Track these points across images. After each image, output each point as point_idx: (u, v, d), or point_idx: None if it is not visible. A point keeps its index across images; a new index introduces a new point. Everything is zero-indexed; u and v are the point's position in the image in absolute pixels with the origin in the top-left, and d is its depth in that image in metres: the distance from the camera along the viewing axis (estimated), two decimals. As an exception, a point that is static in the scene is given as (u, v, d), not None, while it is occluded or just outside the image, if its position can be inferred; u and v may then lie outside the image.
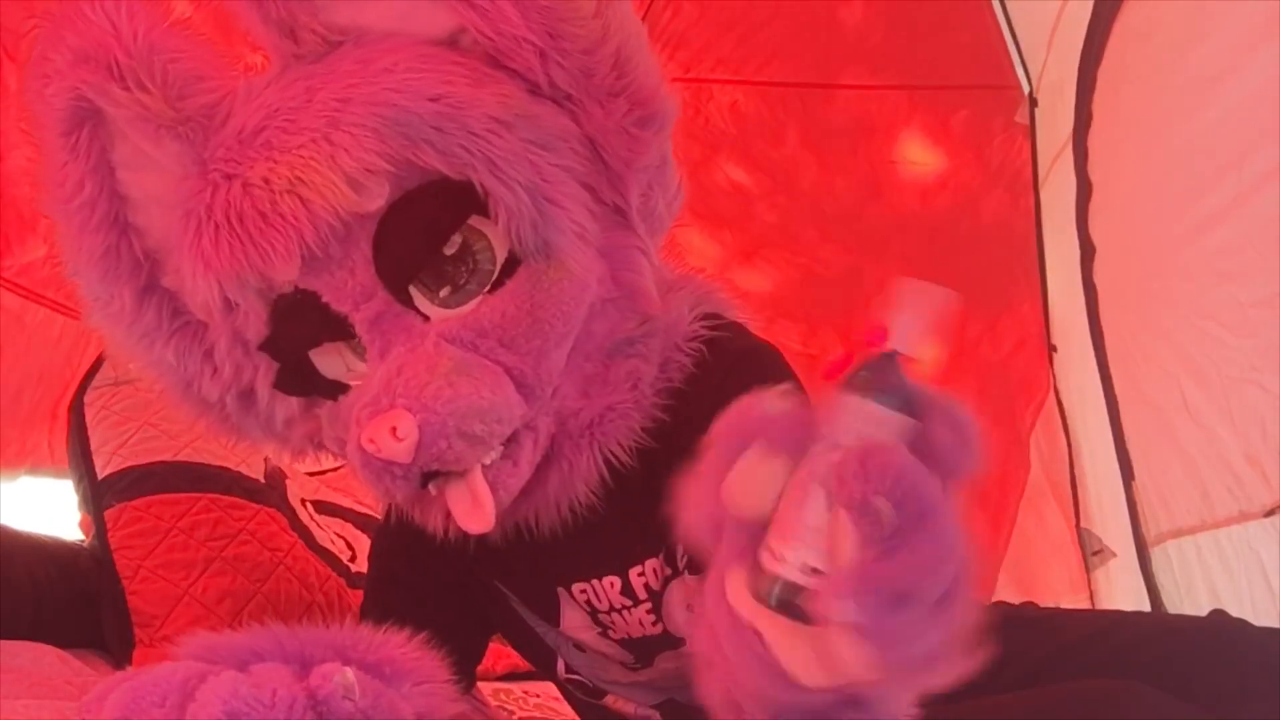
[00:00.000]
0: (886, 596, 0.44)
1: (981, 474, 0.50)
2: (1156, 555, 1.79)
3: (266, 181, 0.70)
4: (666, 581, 0.88)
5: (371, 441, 0.67)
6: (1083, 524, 2.13)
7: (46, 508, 1.66)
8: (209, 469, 1.45)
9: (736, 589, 0.49)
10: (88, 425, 1.42)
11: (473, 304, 0.75)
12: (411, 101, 0.72)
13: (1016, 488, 2.30)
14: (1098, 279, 1.96)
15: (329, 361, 0.79)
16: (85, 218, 0.76)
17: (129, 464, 1.39)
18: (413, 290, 0.75)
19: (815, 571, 0.46)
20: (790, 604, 0.47)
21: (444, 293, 0.75)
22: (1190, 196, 1.55)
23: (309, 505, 1.63)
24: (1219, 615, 0.87)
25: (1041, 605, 1.09)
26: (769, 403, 0.52)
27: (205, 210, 0.71)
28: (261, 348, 0.79)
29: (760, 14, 2.11)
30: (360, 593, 1.53)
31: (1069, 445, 2.17)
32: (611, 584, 0.89)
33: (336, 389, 0.79)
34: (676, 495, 0.54)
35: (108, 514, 1.35)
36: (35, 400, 1.64)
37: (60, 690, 0.97)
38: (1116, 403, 1.88)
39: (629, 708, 0.99)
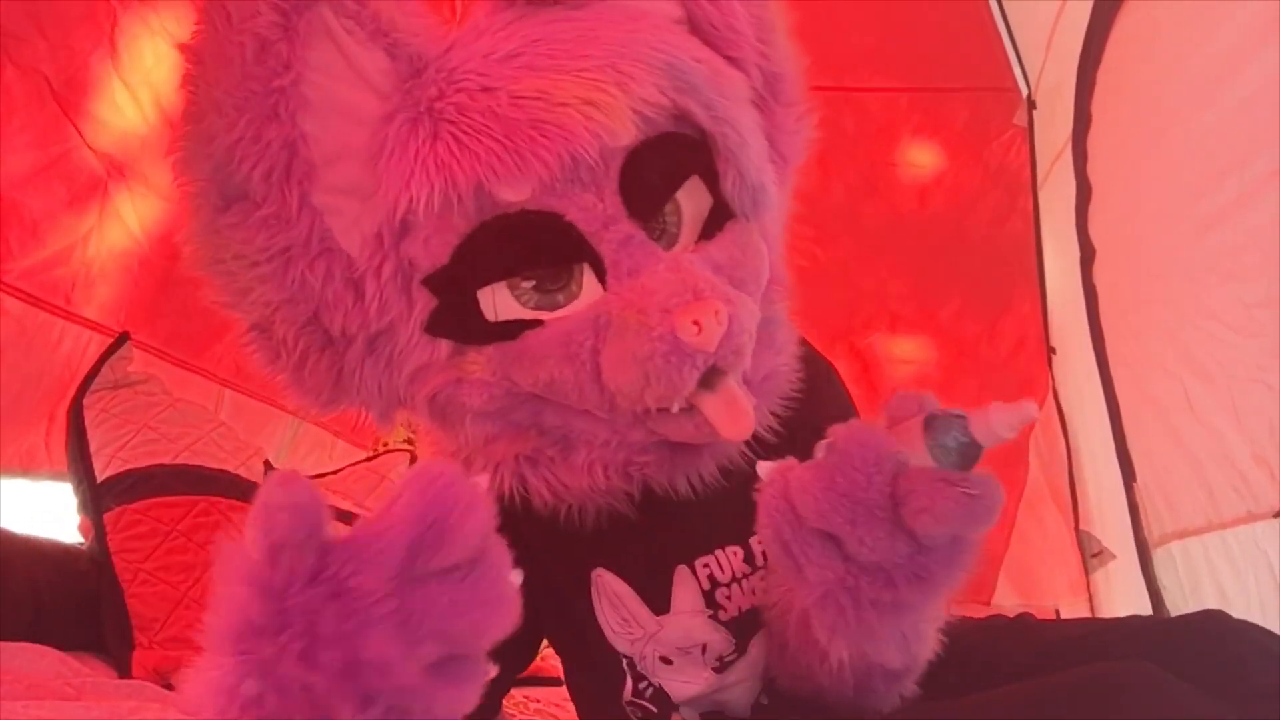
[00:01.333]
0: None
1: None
2: (1159, 556, 1.78)
3: (545, 94, 0.71)
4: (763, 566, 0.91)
5: (696, 324, 0.68)
6: (1082, 526, 2.13)
7: (46, 511, 1.65)
8: (208, 472, 1.45)
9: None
10: (87, 428, 1.42)
11: (675, 249, 0.79)
12: (685, 56, 0.76)
13: (1015, 490, 2.31)
14: (1098, 280, 1.96)
15: (484, 304, 0.77)
16: (276, 104, 0.72)
17: (128, 467, 1.39)
18: None
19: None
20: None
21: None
22: (1192, 197, 1.55)
23: (308, 508, 1.63)
24: (1210, 612, 0.86)
25: (1038, 615, 1.09)
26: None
27: (455, 113, 0.71)
28: (429, 279, 0.76)
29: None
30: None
31: (1068, 447, 2.18)
32: (735, 553, 0.91)
33: (512, 328, 0.77)
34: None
35: (107, 517, 1.35)
36: (35, 403, 1.64)
37: (59, 691, 0.96)
38: (1117, 404, 1.89)
39: None
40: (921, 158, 2.41)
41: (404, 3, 0.75)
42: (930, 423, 0.60)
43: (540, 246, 0.75)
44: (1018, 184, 2.28)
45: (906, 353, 2.54)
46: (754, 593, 0.91)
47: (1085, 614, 2.08)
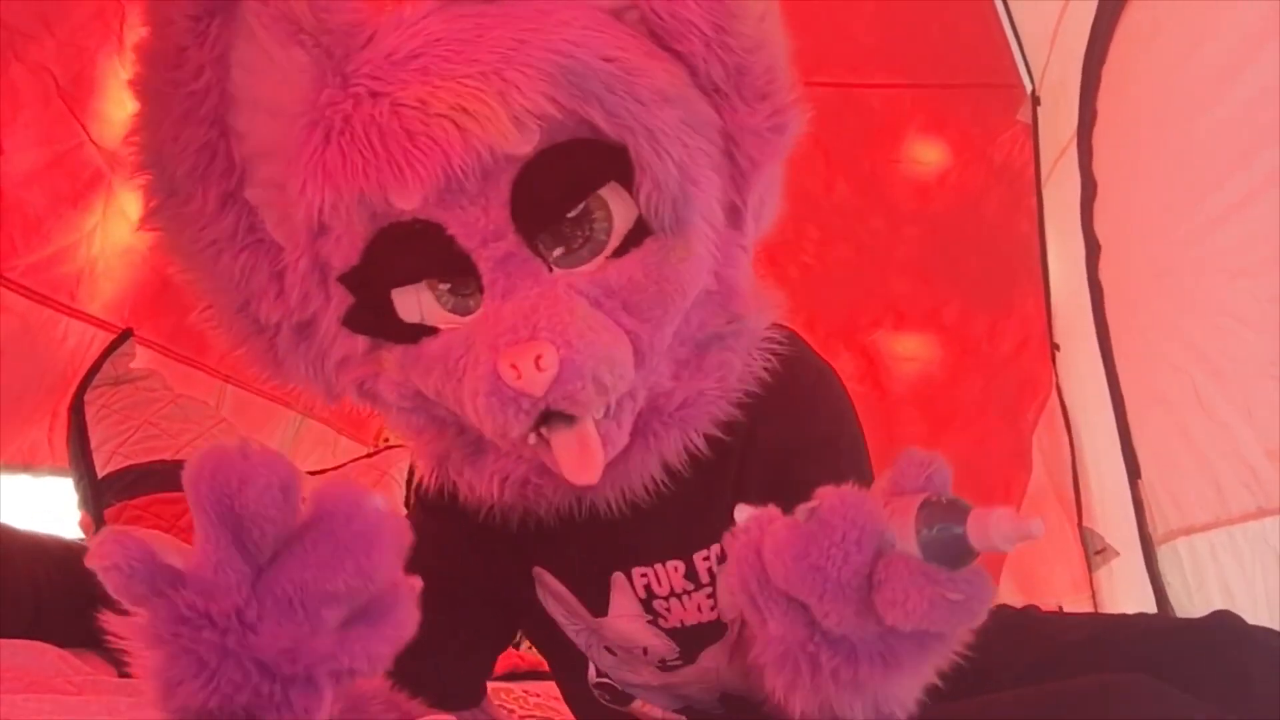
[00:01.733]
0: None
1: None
2: (1165, 553, 1.78)
3: (422, 103, 0.69)
4: (718, 565, 0.90)
5: (514, 368, 0.67)
6: (1085, 523, 2.13)
7: (47, 506, 1.66)
8: (209, 468, 1.45)
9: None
10: (88, 424, 1.42)
11: (587, 267, 0.75)
12: (587, 56, 0.72)
13: (1019, 487, 2.30)
14: (1103, 277, 1.95)
15: (406, 303, 0.76)
16: (192, 106, 0.73)
17: (129, 463, 1.39)
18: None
19: None
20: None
21: (558, 252, 0.75)
22: (1200, 193, 1.54)
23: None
24: (1220, 615, 0.85)
25: (1043, 609, 1.09)
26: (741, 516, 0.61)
27: (342, 122, 0.70)
28: (343, 278, 0.76)
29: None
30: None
31: (1071, 444, 2.17)
32: (675, 568, 0.90)
33: (414, 331, 0.77)
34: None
35: (108, 513, 1.35)
36: (38, 399, 1.64)
37: (59, 688, 0.97)
38: (1122, 400, 1.88)
39: (656, 712, 0.99)
40: (925, 154, 2.41)
41: None
42: (925, 508, 0.55)
43: (425, 258, 0.75)
44: (1022, 180, 2.27)
45: (910, 350, 2.54)
46: (700, 609, 0.90)
47: (1094, 612, 2.07)
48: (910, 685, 0.63)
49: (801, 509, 0.57)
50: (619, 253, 0.76)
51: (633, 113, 0.73)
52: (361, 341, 0.79)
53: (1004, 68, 2.24)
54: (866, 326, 2.50)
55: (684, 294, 0.78)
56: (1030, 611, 1.06)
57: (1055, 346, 2.26)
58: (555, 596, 0.93)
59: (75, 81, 1.51)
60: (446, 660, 0.91)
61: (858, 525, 0.55)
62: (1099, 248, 1.96)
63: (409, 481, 2.04)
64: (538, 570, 0.93)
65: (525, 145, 0.71)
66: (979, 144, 2.32)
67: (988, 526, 0.52)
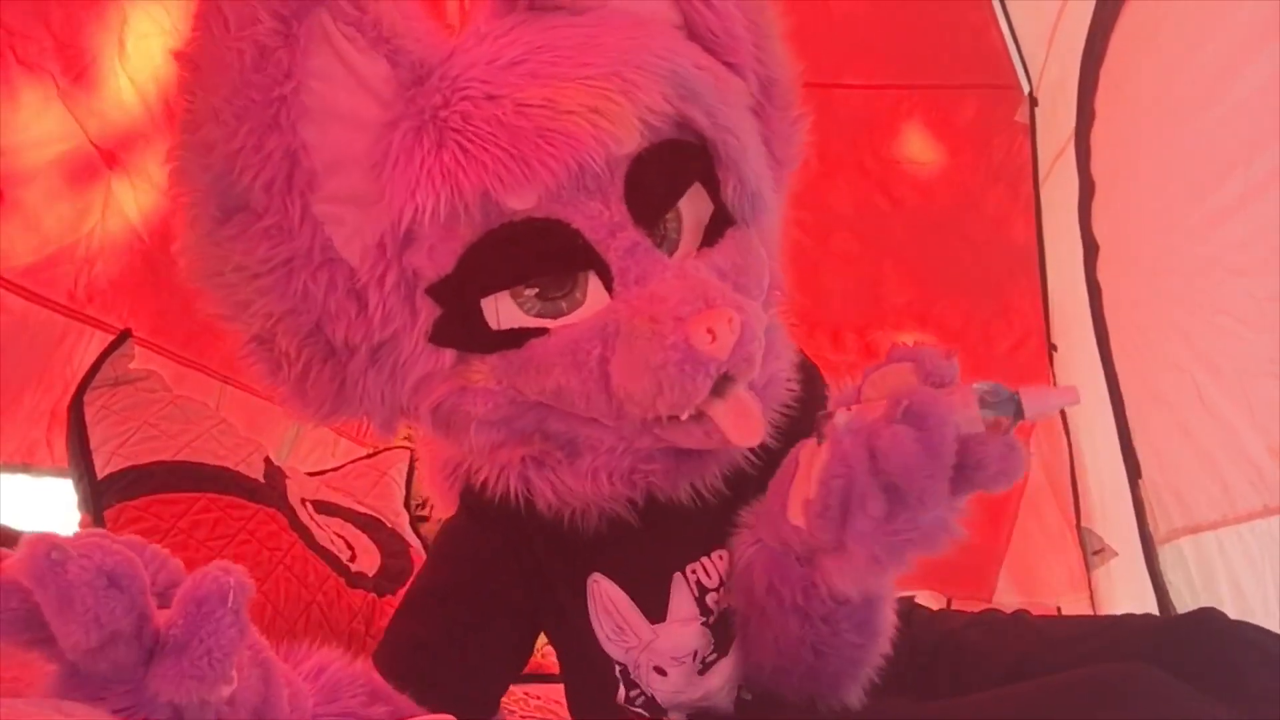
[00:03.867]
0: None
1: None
2: (1168, 552, 1.78)
3: (550, 101, 0.70)
4: None
5: (711, 331, 0.68)
6: (1083, 523, 2.13)
7: (47, 507, 1.66)
8: (208, 469, 1.44)
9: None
10: (87, 425, 1.41)
11: (676, 256, 0.79)
12: (686, 64, 0.77)
13: (1017, 487, 2.31)
14: (1101, 277, 1.95)
15: (488, 312, 0.76)
16: (278, 113, 0.70)
17: (129, 464, 1.39)
18: None
19: None
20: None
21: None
22: (1198, 193, 1.55)
23: (309, 505, 1.63)
24: (1206, 611, 0.86)
25: (1039, 611, 1.10)
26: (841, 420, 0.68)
27: (461, 121, 0.71)
28: (433, 288, 0.75)
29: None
30: (360, 593, 1.54)
31: (1069, 445, 2.17)
32: (722, 557, 0.90)
33: (515, 337, 0.77)
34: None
35: (107, 514, 1.35)
36: (36, 399, 1.64)
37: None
38: (1122, 400, 1.88)
39: None
40: (924, 155, 2.41)
41: (405, 7, 0.74)
42: (983, 394, 0.64)
43: (547, 254, 0.75)
44: (1020, 180, 2.27)
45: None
46: (730, 592, 0.91)
47: (1086, 612, 2.08)
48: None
49: (896, 409, 0.64)
50: (707, 243, 0.80)
51: (725, 115, 0.79)
52: (448, 356, 0.78)
53: (1002, 68, 2.24)
54: (864, 325, 2.51)
55: (766, 277, 0.83)
56: (1021, 615, 1.06)
57: (1053, 347, 2.26)
58: (608, 609, 0.92)
59: (75, 82, 1.51)
60: (467, 672, 0.91)
61: (949, 415, 0.63)
62: (1097, 248, 1.96)
63: (408, 483, 2.05)
64: (594, 579, 0.92)
65: (636, 143, 0.74)
66: (977, 144, 2.32)
67: (1041, 398, 0.64)
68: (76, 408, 1.43)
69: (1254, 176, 1.39)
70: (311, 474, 1.90)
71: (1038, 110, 2.24)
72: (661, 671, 0.93)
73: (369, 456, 2.09)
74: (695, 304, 0.70)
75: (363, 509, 1.82)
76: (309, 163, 0.72)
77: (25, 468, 1.67)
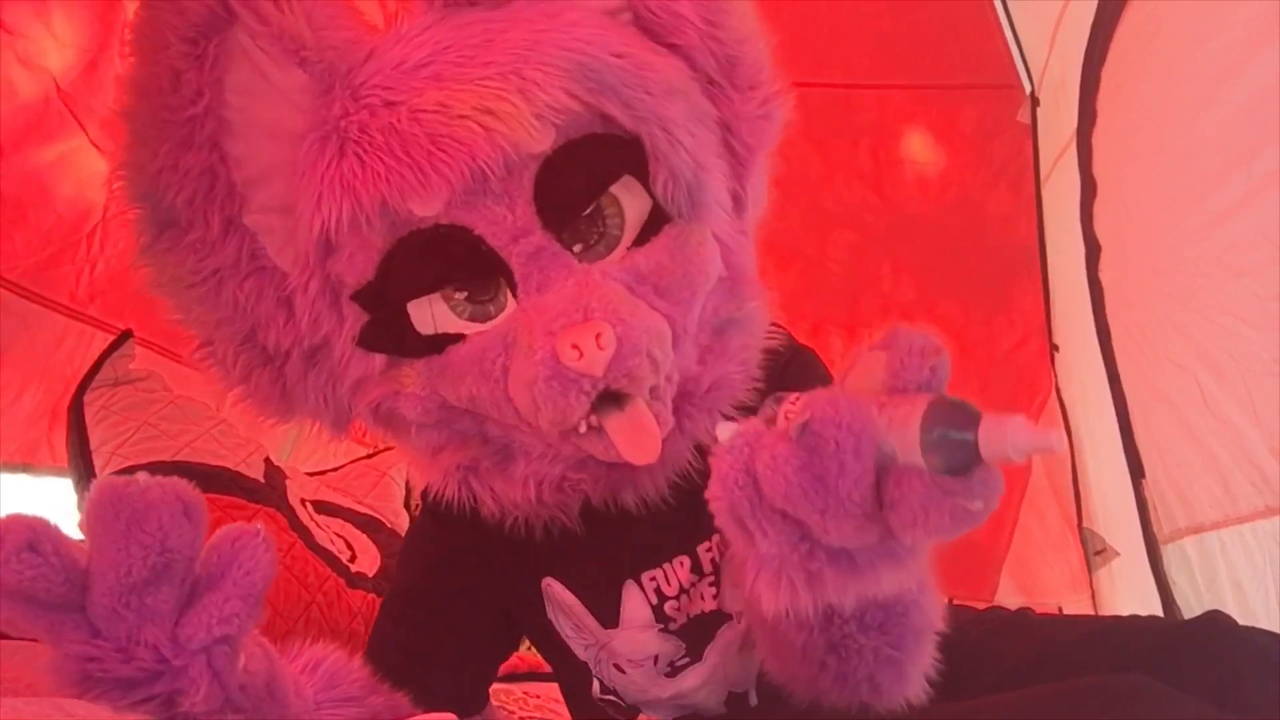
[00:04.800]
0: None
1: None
2: (1170, 552, 1.78)
3: (443, 106, 0.70)
4: (723, 559, 0.90)
5: (575, 348, 0.67)
6: (1085, 524, 2.13)
7: (47, 507, 1.65)
8: (208, 469, 1.45)
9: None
10: (87, 425, 1.42)
11: (610, 259, 0.77)
12: (600, 53, 0.74)
13: (1018, 488, 2.30)
14: (1103, 277, 1.95)
15: (420, 316, 0.76)
16: (191, 132, 0.72)
17: (129, 464, 1.39)
18: None
19: None
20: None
21: (577, 248, 0.76)
22: (1200, 193, 1.55)
23: (309, 505, 1.63)
24: (1212, 615, 0.86)
25: (1041, 610, 1.09)
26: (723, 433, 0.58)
27: (359, 131, 0.70)
28: (357, 295, 0.76)
29: (762, 14, 2.11)
30: (360, 593, 1.54)
31: (1071, 445, 2.17)
32: (682, 563, 0.90)
33: (436, 342, 0.76)
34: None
35: (107, 514, 1.35)
36: (37, 399, 1.64)
37: (58, 689, 0.96)
38: (1125, 400, 1.88)
39: None
40: (924, 155, 2.40)
41: (324, 12, 0.74)
42: (932, 411, 0.51)
43: (453, 262, 0.74)
44: (1021, 181, 2.27)
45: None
46: (703, 598, 0.90)
47: (1088, 612, 2.07)
48: (913, 577, 0.61)
49: (792, 424, 0.53)
50: (639, 242, 0.78)
51: (646, 105, 0.75)
52: (379, 360, 0.78)
53: (1003, 68, 2.24)
54: (865, 325, 2.51)
55: (706, 276, 0.80)
56: (1025, 614, 1.06)
57: (1054, 347, 2.26)
58: (564, 610, 0.93)
59: (75, 83, 1.51)
60: (448, 668, 0.91)
61: (854, 435, 0.51)
62: (1099, 248, 1.96)
63: (408, 484, 2.05)
64: (547, 583, 0.92)
65: (545, 142, 0.72)
66: (978, 145, 2.31)
67: (1003, 435, 0.48)
68: (76, 408, 1.43)
69: (1255, 176, 1.39)
70: (311, 474, 1.90)
71: (1039, 110, 2.23)
72: (620, 670, 0.93)
73: (369, 457, 2.10)
74: (571, 317, 0.69)
75: (362, 509, 1.82)
76: (229, 177, 0.74)
77: (26, 467, 1.67)
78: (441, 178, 0.70)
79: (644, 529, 0.85)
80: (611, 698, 0.96)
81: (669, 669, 0.93)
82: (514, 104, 0.70)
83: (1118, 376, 1.89)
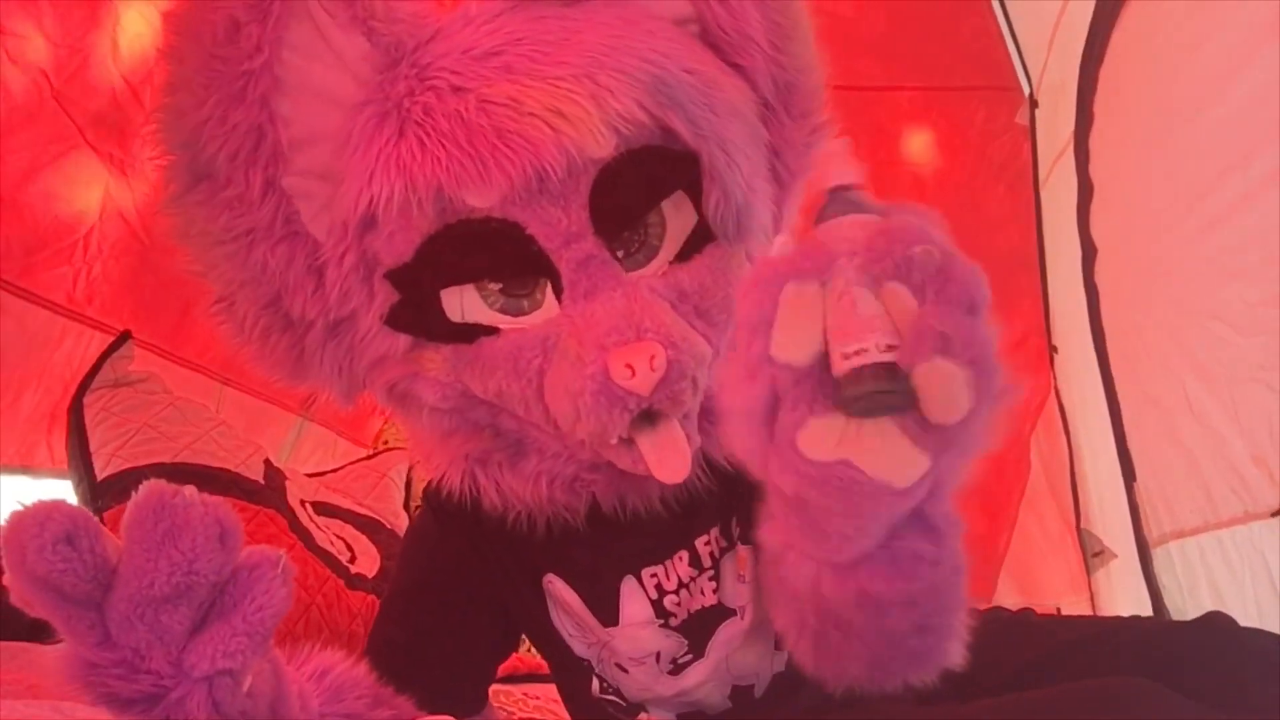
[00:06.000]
0: (958, 311, 0.50)
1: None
2: (1159, 556, 1.78)
3: (514, 101, 0.68)
4: (722, 554, 0.90)
5: (629, 367, 0.67)
6: (1083, 525, 2.13)
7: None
8: (208, 470, 1.45)
9: (813, 435, 0.51)
10: (87, 427, 1.42)
11: (649, 270, 0.76)
12: (673, 67, 0.73)
13: (1017, 489, 2.30)
14: (1099, 279, 1.96)
15: (449, 302, 0.75)
16: (244, 87, 0.69)
17: (128, 465, 1.39)
18: None
19: (890, 348, 0.49)
20: (874, 406, 0.49)
21: (620, 254, 0.76)
22: (1194, 196, 1.55)
23: (308, 506, 1.63)
24: (1213, 616, 0.86)
25: (1040, 611, 1.09)
26: (775, 248, 0.55)
27: (423, 114, 0.69)
28: (392, 274, 0.74)
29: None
30: (360, 594, 1.54)
31: (1069, 446, 2.17)
32: (681, 558, 0.90)
33: (468, 331, 0.76)
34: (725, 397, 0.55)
35: (107, 516, 1.35)
36: (36, 401, 1.64)
37: (59, 692, 0.96)
38: (1118, 403, 1.88)
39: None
40: (923, 156, 2.41)
41: None
42: (821, 218, 0.56)
43: (500, 257, 0.74)
44: (1019, 183, 2.27)
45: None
46: (704, 593, 0.90)
47: (1086, 613, 2.08)
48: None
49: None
50: (682, 257, 0.77)
51: (710, 124, 0.74)
52: (403, 340, 0.77)
53: (1002, 70, 2.24)
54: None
55: None
56: (1025, 614, 1.06)
57: (1053, 349, 2.26)
58: (565, 609, 0.92)
59: (70, 82, 1.51)
60: (449, 669, 0.91)
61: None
62: (1095, 250, 1.97)
63: (408, 485, 2.05)
64: (549, 579, 0.92)
65: (607, 148, 0.71)
66: (977, 146, 2.32)
67: (832, 168, 0.58)
68: (76, 410, 1.43)
69: (1250, 181, 1.39)
70: (311, 475, 1.90)
71: (1038, 112, 2.24)
72: (623, 669, 0.92)
73: (369, 458, 2.10)
74: (623, 334, 0.69)
75: (362, 510, 1.82)
76: (276, 137, 0.72)
77: (25, 469, 1.67)
78: (503, 173, 0.68)
79: (642, 525, 0.85)
80: (611, 697, 0.96)
81: (671, 666, 0.92)
82: (585, 108, 0.69)
83: (1112, 379, 1.90)
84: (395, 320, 0.76)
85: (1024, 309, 2.29)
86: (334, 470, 2.00)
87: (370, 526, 1.77)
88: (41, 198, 1.54)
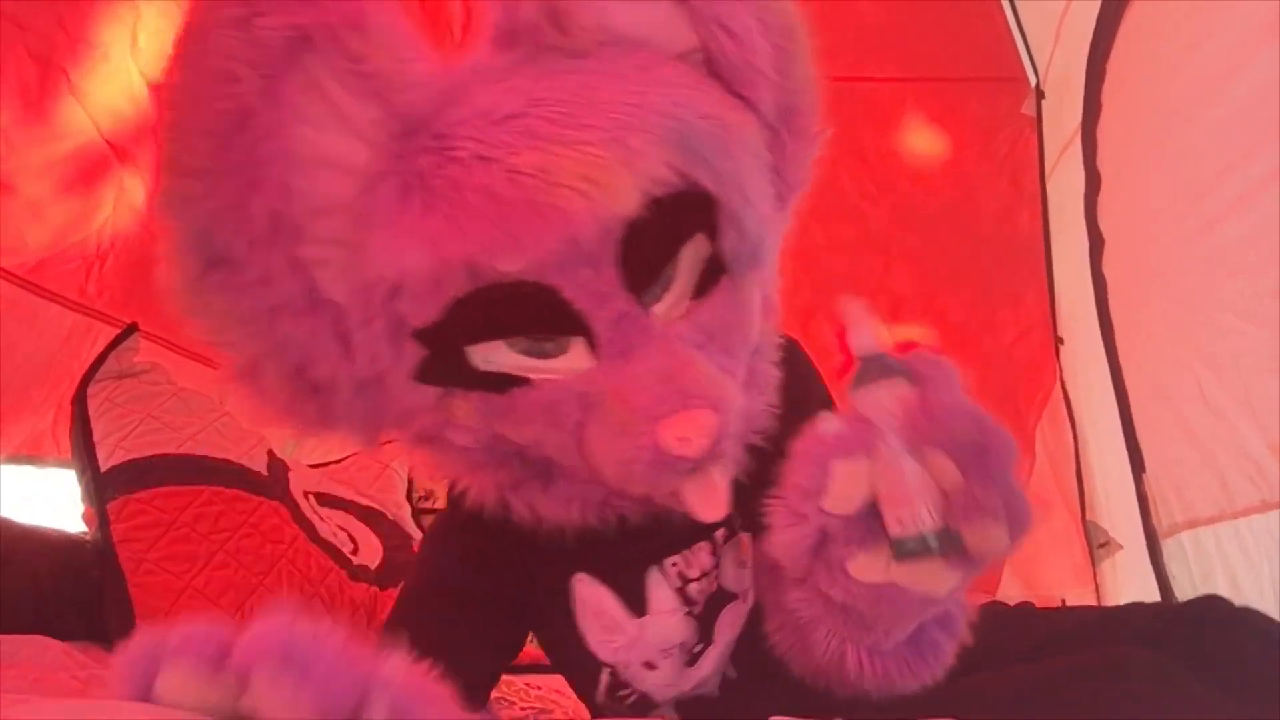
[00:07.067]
0: (998, 480, 0.61)
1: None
2: (1169, 546, 1.78)
3: (544, 171, 0.66)
4: (725, 541, 0.94)
5: (684, 440, 0.68)
6: (1089, 517, 2.13)
7: (50, 500, 1.67)
8: (212, 461, 1.45)
9: (863, 565, 0.64)
10: (91, 418, 1.42)
11: (664, 305, 0.75)
12: (693, 117, 0.72)
13: (1021, 479, 2.30)
14: (1107, 271, 1.95)
15: (474, 353, 0.74)
16: (257, 173, 0.66)
17: (132, 456, 1.39)
18: None
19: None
20: (922, 550, 0.62)
21: (645, 298, 0.75)
22: (1202, 188, 1.54)
23: (311, 498, 1.63)
24: (1211, 599, 0.86)
25: (1043, 604, 1.09)
26: (825, 428, 0.65)
27: (450, 188, 0.67)
28: (420, 334, 0.72)
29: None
30: (362, 586, 1.54)
31: (1075, 438, 2.17)
32: (702, 548, 0.93)
33: (499, 381, 0.75)
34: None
35: (111, 507, 1.35)
36: (43, 392, 1.65)
37: (64, 684, 0.97)
38: (1126, 394, 1.88)
39: None
40: (929, 147, 2.40)
41: (404, 41, 0.70)
42: (853, 387, 0.65)
43: (533, 318, 0.73)
44: (1026, 174, 2.27)
45: (911, 340, 2.53)
46: (715, 580, 0.93)
47: (1092, 605, 2.07)
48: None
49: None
50: (699, 292, 0.76)
51: (729, 170, 0.74)
52: (432, 393, 0.76)
53: (1008, 61, 2.23)
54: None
55: (756, 326, 0.81)
56: (1026, 607, 1.06)
57: (1059, 340, 2.25)
58: (594, 609, 0.93)
59: (86, 77, 1.52)
60: (463, 665, 0.91)
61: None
62: (1103, 242, 1.96)
63: (410, 477, 2.05)
64: (578, 578, 0.92)
65: (636, 207, 0.69)
66: (983, 137, 2.31)
67: (855, 335, 0.65)
68: (80, 401, 1.44)
69: (1257, 172, 1.39)
70: (314, 467, 1.91)
71: (1044, 103, 2.23)
72: (651, 666, 0.93)
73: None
74: (671, 404, 0.68)
75: (365, 501, 1.83)
76: (292, 212, 0.69)
77: (31, 459, 1.68)
78: (536, 243, 0.67)
79: (665, 522, 0.85)
80: (624, 693, 0.97)
81: (689, 658, 0.94)
82: (618, 176, 0.68)
83: (1120, 370, 1.89)
84: (424, 375, 0.75)
85: (1029, 301, 2.28)
86: (337, 461, 2.01)
87: (373, 518, 1.78)
88: (56, 192, 1.55)
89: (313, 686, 0.44)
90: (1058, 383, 2.24)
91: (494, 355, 0.74)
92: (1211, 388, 1.57)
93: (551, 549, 0.87)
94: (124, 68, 1.57)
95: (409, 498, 2.01)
